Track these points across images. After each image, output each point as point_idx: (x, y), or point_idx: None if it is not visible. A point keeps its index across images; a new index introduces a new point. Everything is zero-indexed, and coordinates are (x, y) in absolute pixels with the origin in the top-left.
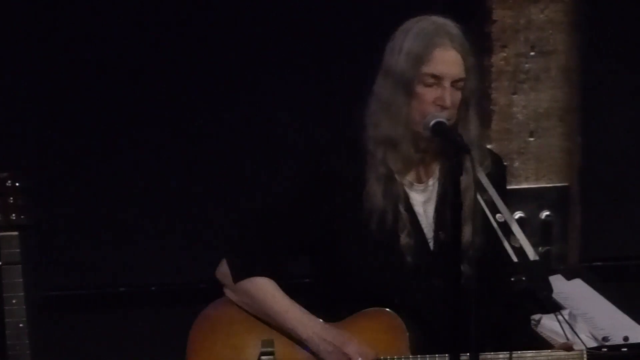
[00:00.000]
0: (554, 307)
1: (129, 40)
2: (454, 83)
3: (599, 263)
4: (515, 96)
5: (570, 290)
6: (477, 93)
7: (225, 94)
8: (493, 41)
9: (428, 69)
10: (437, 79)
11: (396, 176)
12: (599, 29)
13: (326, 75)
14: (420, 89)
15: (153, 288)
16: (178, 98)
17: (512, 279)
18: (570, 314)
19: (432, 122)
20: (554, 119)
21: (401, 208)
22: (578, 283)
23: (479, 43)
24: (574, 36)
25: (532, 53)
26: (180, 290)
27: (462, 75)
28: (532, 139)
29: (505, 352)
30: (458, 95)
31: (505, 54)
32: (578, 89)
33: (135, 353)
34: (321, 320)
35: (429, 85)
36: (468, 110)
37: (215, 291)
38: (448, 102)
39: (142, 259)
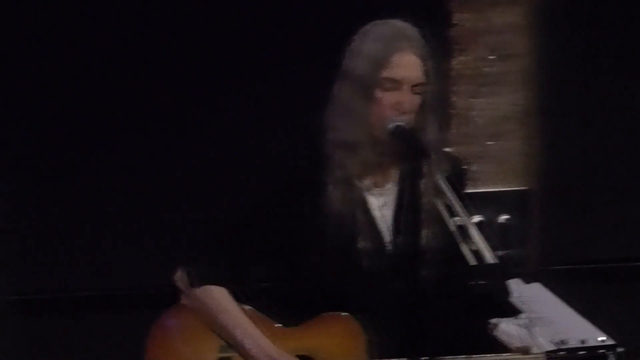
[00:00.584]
0: (513, 311)
1: (105, 41)
2: (413, 87)
3: (558, 267)
4: (474, 100)
5: (529, 294)
6: (436, 97)
7: (196, 98)
8: (453, 45)
9: (387, 73)
10: (397, 83)
11: (354, 180)
12: (559, 32)
13: (289, 79)
14: (379, 93)
15: (112, 293)
16: (145, 109)
17: (471, 283)
18: (529, 318)
19: (392, 126)
20: (513, 122)
21: (359, 212)
22: (537, 287)
23: (438, 47)
24: (534, 40)
25: (491, 57)
26: (138, 295)
27: (422, 79)
28: (491, 143)
29: (463, 356)
30: (417, 99)
31: (464, 58)
32: (538, 92)
33: (102, 357)
34: (273, 332)
35: (388, 90)
36: (427, 114)
37: (174, 296)
38: (407, 107)
39: (100, 264)
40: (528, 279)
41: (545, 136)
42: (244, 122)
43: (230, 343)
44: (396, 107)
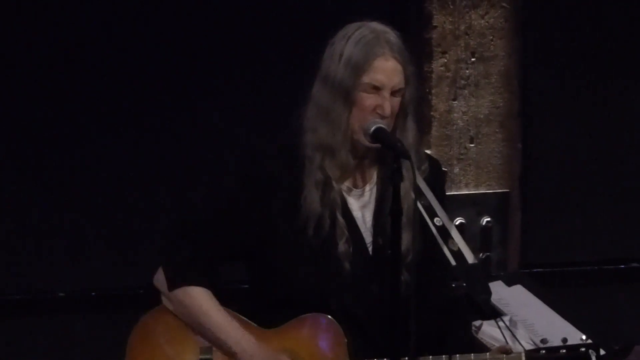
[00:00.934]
0: (494, 313)
1: (94, 39)
2: (393, 92)
3: (539, 269)
4: (455, 102)
5: (510, 296)
6: (416, 101)
7: (162, 101)
8: (433, 47)
9: (368, 78)
10: (377, 88)
11: (333, 182)
12: (540, 34)
13: (266, 79)
14: (359, 98)
15: (93, 293)
16: (115, 104)
17: (452, 285)
18: (510, 320)
19: (373, 128)
20: (494, 125)
21: (339, 214)
22: (518, 289)
23: (418, 49)
24: (515, 42)
25: (472, 59)
26: (120, 296)
27: (402, 84)
28: (472, 145)
29: (445, 356)
30: (397, 103)
31: (445, 60)
32: (518, 95)
33: (73, 359)
34: (259, 327)
35: (368, 94)
36: (406, 117)
37: (154, 297)
38: (387, 112)
39: (81, 264)
40: (509, 282)
41: (526, 139)
42: (221, 122)
43: (214, 344)
44: (377, 110)
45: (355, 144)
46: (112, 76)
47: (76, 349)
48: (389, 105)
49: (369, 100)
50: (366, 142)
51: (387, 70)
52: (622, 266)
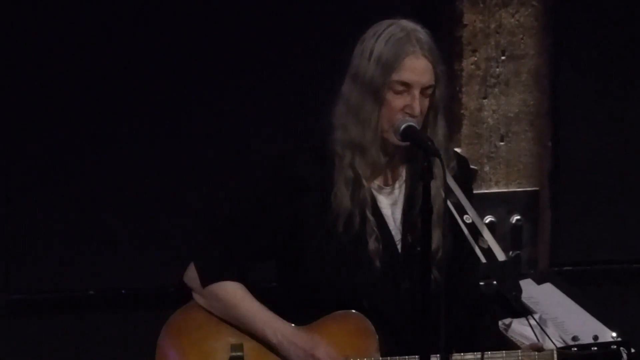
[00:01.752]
0: (524, 310)
1: (80, 40)
2: (423, 91)
3: (569, 267)
4: (485, 100)
5: (540, 294)
6: (446, 99)
7: (193, 98)
8: (463, 45)
9: (398, 76)
10: (407, 86)
11: (364, 181)
12: (570, 33)
13: (295, 78)
14: (389, 96)
15: (123, 291)
16: (145, 102)
17: (482, 283)
18: (540, 318)
19: (403, 127)
20: (524, 123)
21: (369, 212)
22: (548, 287)
23: (449, 47)
24: (545, 40)
25: (502, 57)
26: (150, 294)
27: (432, 82)
28: (502, 144)
29: (476, 353)
30: (426, 102)
31: (475, 58)
32: (548, 93)
33: (103, 357)
34: (292, 324)
35: (398, 93)
36: (437, 116)
37: (184, 296)
38: (417, 111)
39: (112, 263)
40: (539, 280)
41: (556, 137)
42: (249, 120)
43: (250, 335)
44: (406, 110)
45: (384, 142)
46: (138, 73)
47: (106, 346)
48: (418, 104)
49: (398, 99)
50: (396, 140)
51: (418, 68)
52: None
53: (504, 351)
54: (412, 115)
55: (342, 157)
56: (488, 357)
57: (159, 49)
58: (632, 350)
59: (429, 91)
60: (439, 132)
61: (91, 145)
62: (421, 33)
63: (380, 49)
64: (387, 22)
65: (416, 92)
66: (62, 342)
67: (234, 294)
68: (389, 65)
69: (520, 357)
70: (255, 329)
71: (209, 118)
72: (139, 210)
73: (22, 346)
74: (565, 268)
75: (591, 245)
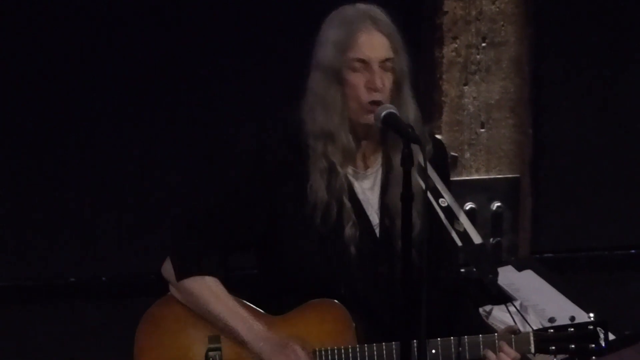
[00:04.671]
0: (501, 293)
1: (89, 24)
2: (382, 64)
3: (549, 254)
4: (466, 87)
5: (521, 281)
6: (409, 73)
7: (172, 87)
8: (444, 32)
9: (353, 54)
10: (364, 62)
11: (338, 168)
12: (551, 20)
13: (278, 70)
14: (349, 76)
15: (103, 279)
16: (124, 90)
17: (463, 270)
18: (521, 305)
19: (384, 114)
20: (505, 110)
21: (345, 199)
22: (529, 274)
23: (429, 34)
24: (525, 28)
25: (483, 44)
26: (130, 282)
27: (389, 55)
28: (483, 131)
29: (454, 338)
30: (389, 76)
31: (456, 45)
32: (529, 80)
33: (84, 344)
34: (266, 315)
35: (358, 71)
36: (402, 90)
37: (164, 284)
38: (378, 84)
39: (92, 250)
40: (520, 267)
41: (537, 124)
42: (230, 110)
43: (223, 332)
44: (367, 85)
45: (354, 124)
46: (123, 63)
47: (87, 333)
48: (380, 78)
49: (359, 77)
50: (368, 120)
51: (372, 43)
52: (633, 251)
53: (480, 335)
54: (375, 90)
55: (315, 148)
56: (465, 342)
57: (140, 37)
58: (610, 336)
59: (389, 64)
60: (409, 109)
61: (71, 133)
62: (374, 11)
63: (334, 31)
64: (342, 7)
65: (375, 66)
66: (42, 330)
67: (208, 289)
68: (343, 45)
69: (497, 341)
70: (228, 326)
71: (190, 106)
72: (120, 198)
73: (2, 333)
74: (545, 255)
75: (572, 232)
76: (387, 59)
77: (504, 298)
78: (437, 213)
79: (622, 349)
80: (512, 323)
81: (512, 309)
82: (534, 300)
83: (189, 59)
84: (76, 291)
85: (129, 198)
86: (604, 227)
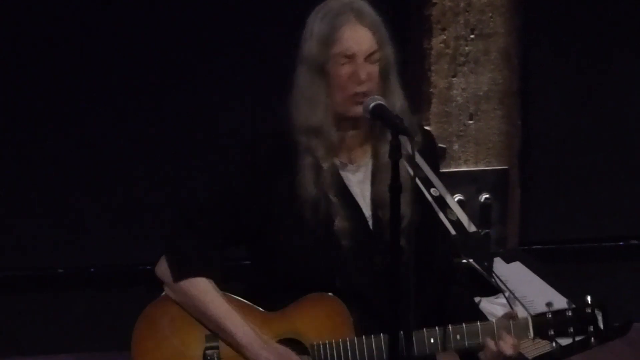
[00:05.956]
0: (493, 289)
1: (91, 17)
2: (367, 58)
3: (538, 246)
4: (454, 79)
5: (509, 273)
6: (396, 63)
7: (163, 78)
8: (432, 24)
9: (337, 49)
10: (349, 57)
11: (325, 162)
12: (539, 12)
13: (272, 64)
14: (334, 70)
15: (92, 270)
16: (115, 80)
17: (458, 261)
18: (509, 297)
19: (372, 105)
20: (493, 102)
21: (335, 193)
22: (517, 266)
23: (418, 25)
24: (514, 19)
25: (472, 36)
26: (119, 272)
27: (374, 48)
28: (471, 122)
29: (453, 326)
30: (374, 68)
31: (444, 37)
32: (518, 72)
33: (73, 335)
34: (258, 318)
35: (343, 65)
36: (388, 81)
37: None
38: (363, 76)
39: (81, 241)
40: (508, 259)
41: (525, 116)
42: (221, 109)
43: (220, 334)
44: (352, 79)
45: (341, 118)
46: (117, 56)
47: (75, 324)
48: (364, 71)
49: (343, 70)
50: (356, 112)
51: (355, 37)
52: (621, 243)
53: (478, 322)
54: (360, 83)
55: (301, 142)
56: (464, 330)
57: (133, 31)
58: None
59: (375, 56)
60: (395, 99)
61: (61, 124)
62: (358, 3)
63: (317, 26)
64: (327, 0)
65: (359, 60)
66: (31, 320)
67: (204, 292)
68: (327, 40)
69: (495, 328)
70: (224, 329)
71: (182, 97)
72: (108, 188)
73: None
74: (534, 247)
75: (560, 223)
76: (372, 53)
77: (493, 291)
78: (428, 202)
79: (610, 341)
80: (499, 314)
81: (501, 301)
82: (522, 292)
83: (183, 52)
84: (65, 282)
85: (118, 189)
86: (592, 219)
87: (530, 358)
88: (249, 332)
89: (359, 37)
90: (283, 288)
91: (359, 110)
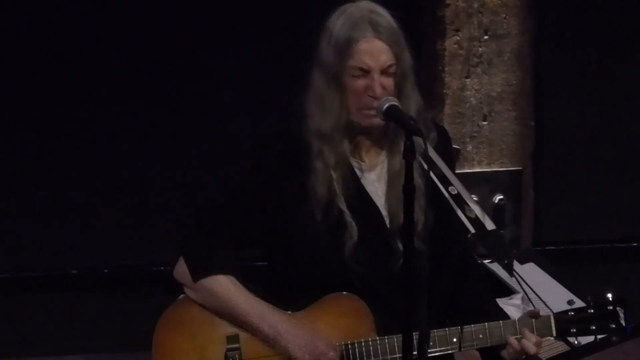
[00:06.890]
0: (508, 290)
1: (51, 24)
2: (383, 71)
3: (551, 247)
4: (468, 80)
5: (523, 274)
6: (412, 70)
7: (174, 78)
8: (446, 25)
9: (353, 62)
10: (365, 71)
11: (334, 170)
12: (552, 13)
13: (283, 64)
14: (349, 81)
15: (105, 270)
16: (124, 80)
17: (474, 256)
18: (523, 298)
19: (385, 106)
20: (507, 102)
21: (351, 192)
22: (531, 267)
23: (432, 26)
24: (527, 20)
25: (485, 37)
26: (132, 273)
27: (391, 62)
28: (485, 123)
29: (475, 325)
30: (390, 81)
31: (458, 38)
32: (531, 73)
33: (86, 335)
34: (287, 312)
35: (358, 77)
36: (405, 88)
37: (167, 274)
38: (378, 92)
39: (94, 242)
40: (522, 259)
41: (539, 116)
42: (232, 109)
43: (245, 329)
44: (368, 92)
45: (352, 126)
46: (113, 52)
47: (88, 325)
48: (379, 85)
49: (359, 82)
50: (374, 122)
51: (372, 52)
52: (635, 244)
53: (500, 321)
54: (375, 97)
55: (312, 145)
56: (486, 329)
57: (138, 30)
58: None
59: (391, 70)
60: (412, 103)
61: (72, 125)
62: (376, 14)
63: (336, 34)
64: (348, 5)
65: (375, 74)
66: (44, 321)
67: (227, 287)
68: (343, 52)
69: (517, 326)
70: (250, 323)
71: (196, 98)
72: (121, 189)
73: (4, 325)
74: (547, 247)
75: (574, 224)
76: (388, 66)
77: (521, 283)
78: (445, 201)
79: (632, 338)
80: (514, 315)
81: (515, 302)
82: (538, 293)
83: (195, 53)
84: (77, 283)
85: (131, 190)
86: (605, 220)
87: (543, 359)
88: (275, 322)
89: (376, 52)
90: (301, 288)
91: (373, 122)
